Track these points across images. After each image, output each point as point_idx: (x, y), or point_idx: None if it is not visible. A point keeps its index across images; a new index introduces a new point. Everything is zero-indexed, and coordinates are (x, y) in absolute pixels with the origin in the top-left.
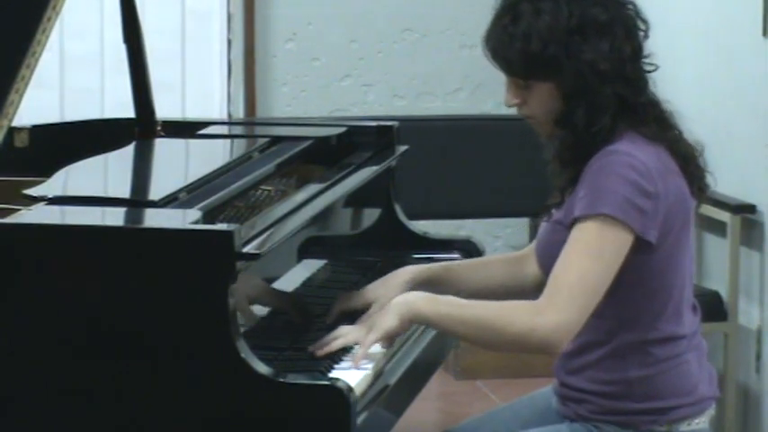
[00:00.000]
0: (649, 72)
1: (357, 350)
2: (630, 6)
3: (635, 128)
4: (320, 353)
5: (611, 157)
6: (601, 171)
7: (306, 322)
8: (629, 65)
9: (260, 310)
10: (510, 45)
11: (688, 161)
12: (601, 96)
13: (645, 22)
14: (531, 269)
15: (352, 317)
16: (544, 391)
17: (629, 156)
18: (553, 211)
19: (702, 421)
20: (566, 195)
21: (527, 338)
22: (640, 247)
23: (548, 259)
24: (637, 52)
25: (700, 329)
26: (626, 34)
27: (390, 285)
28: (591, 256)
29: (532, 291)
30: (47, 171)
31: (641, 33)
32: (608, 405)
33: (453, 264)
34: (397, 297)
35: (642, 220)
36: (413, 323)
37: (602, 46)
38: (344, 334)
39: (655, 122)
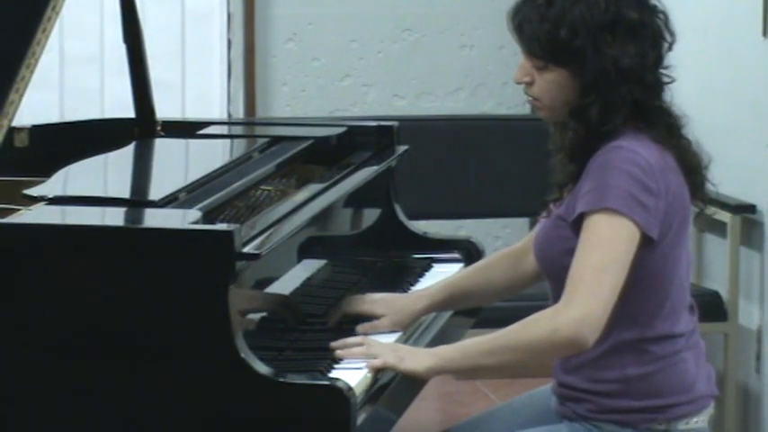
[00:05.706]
0: (667, 83)
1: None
2: (662, 15)
3: (644, 130)
4: (340, 354)
5: (615, 153)
6: (605, 166)
7: (299, 323)
8: (650, 71)
9: (260, 310)
10: (539, 25)
11: (693, 171)
12: (616, 95)
13: (672, 34)
14: (530, 262)
15: (355, 320)
16: (542, 390)
17: (633, 152)
18: (552, 207)
19: (701, 420)
20: (565, 192)
21: (553, 340)
22: (642, 244)
23: (547, 255)
24: (658, 61)
25: (698, 330)
26: (652, 41)
27: (404, 311)
28: (603, 247)
29: (533, 282)
30: (47, 171)
31: (666, 44)
32: (606, 404)
33: (455, 279)
34: (431, 349)
35: (645, 216)
36: (439, 374)
37: (628, 47)
38: (371, 344)
39: (665, 128)
